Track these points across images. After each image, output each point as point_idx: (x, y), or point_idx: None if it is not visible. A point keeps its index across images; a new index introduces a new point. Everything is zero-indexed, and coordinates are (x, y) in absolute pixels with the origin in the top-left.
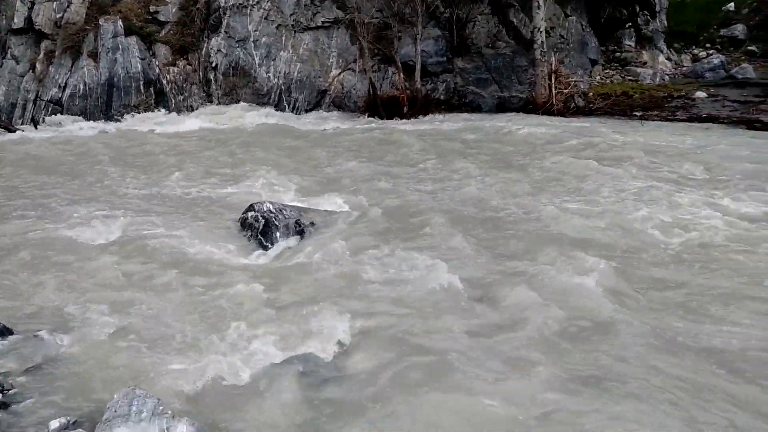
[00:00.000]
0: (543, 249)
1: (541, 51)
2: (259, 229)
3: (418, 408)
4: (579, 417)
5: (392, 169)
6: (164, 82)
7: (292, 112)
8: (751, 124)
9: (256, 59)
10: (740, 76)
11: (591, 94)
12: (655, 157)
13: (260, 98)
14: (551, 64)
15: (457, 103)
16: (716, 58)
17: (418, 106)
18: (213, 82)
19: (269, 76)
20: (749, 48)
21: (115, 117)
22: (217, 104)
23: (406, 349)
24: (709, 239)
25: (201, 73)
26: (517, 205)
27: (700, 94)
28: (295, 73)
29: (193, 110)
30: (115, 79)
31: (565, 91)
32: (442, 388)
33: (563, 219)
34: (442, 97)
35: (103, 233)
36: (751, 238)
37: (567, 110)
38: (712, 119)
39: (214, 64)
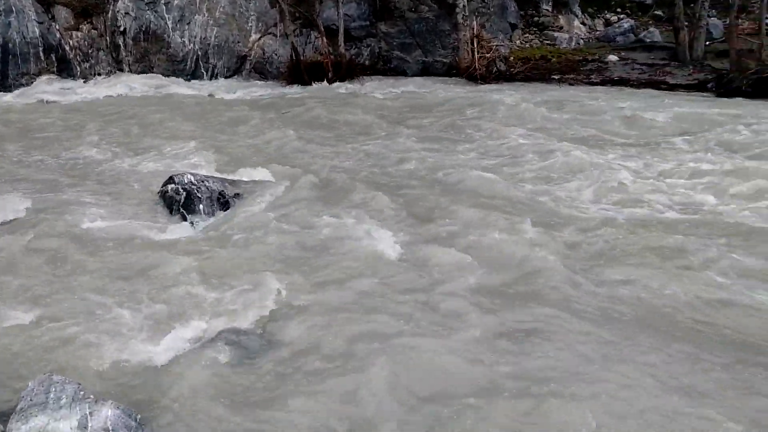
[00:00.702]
0: (472, 211)
1: (463, 15)
2: (181, 202)
3: (356, 374)
4: (517, 368)
5: (319, 137)
6: (67, 48)
7: (211, 79)
8: (658, 86)
9: (169, 23)
10: (648, 40)
11: (512, 58)
12: (576, 120)
13: (175, 65)
14: (473, 29)
15: (382, 68)
16: (626, 23)
17: (343, 72)
18: (122, 47)
19: (184, 42)
20: (656, 12)
21: (13, 87)
22: (128, 71)
23: (340, 316)
24: (633, 197)
25: (108, 38)
26: (445, 171)
27: (612, 57)
28: (212, 38)
29: (101, 78)
30: (10, 45)
31: (487, 55)
32: (380, 352)
33: (490, 183)
34: (366, 62)
35: (6, 211)
36: (667, 194)
37: (489, 75)
38: (623, 82)
39: (122, 28)
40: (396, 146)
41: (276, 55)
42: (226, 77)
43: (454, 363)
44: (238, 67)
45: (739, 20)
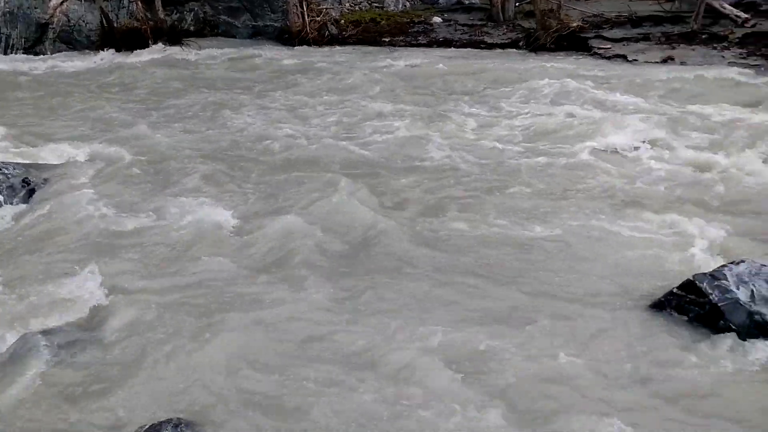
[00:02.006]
0: (307, 177)
1: None
2: None
3: (186, 358)
4: (355, 327)
5: (140, 110)
6: None
7: (6, 52)
8: (478, 45)
9: None
10: (467, 2)
11: (343, 21)
12: (404, 80)
13: None
14: None
15: (209, 33)
16: None
17: (165, 38)
18: None
19: None
20: None
21: None
22: None
23: (173, 298)
24: (458, 151)
25: None
26: (279, 138)
27: (437, 19)
28: (3, 3)
29: None
30: None
31: (318, 19)
32: (217, 329)
33: (327, 146)
34: (191, 27)
35: None
36: (487, 146)
37: (322, 38)
38: (447, 43)
39: None
40: (227, 116)
41: (84, 21)
42: (25, 49)
43: (295, 331)
44: (40, 36)
45: None
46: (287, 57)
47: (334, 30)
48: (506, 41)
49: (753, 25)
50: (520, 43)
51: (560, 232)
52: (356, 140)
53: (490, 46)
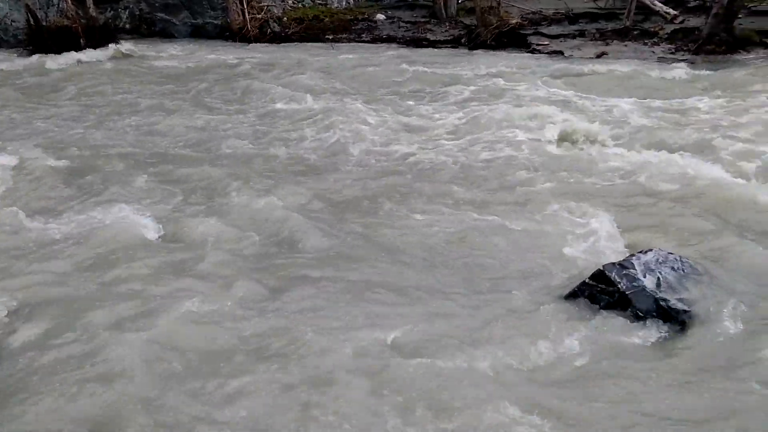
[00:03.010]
0: (228, 180)
1: None
2: None
3: (93, 369)
4: (279, 321)
5: (68, 113)
6: None
7: None
8: (420, 42)
9: None
10: None
11: (285, 19)
12: (342, 77)
13: None
14: None
15: (146, 31)
16: None
17: (98, 37)
18: None
19: None
20: None
21: None
22: None
23: (86, 306)
24: (382, 142)
25: None
26: (208, 139)
27: (380, 16)
28: None
29: None
30: None
31: (259, 16)
32: (137, 333)
33: (258, 147)
34: (127, 25)
35: None
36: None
37: (264, 36)
38: (391, 40)
39: None
40: (158, 119)
41: (10, 20)
42: None
43: (217, 329)
44: None
45: None
46: (226, 55)
47: (276, 27)
48: (449, 38)
49: (681, 22)
50: (463, 40)
51: (481, 225)
52: (289, 140)
53: (433, 43)
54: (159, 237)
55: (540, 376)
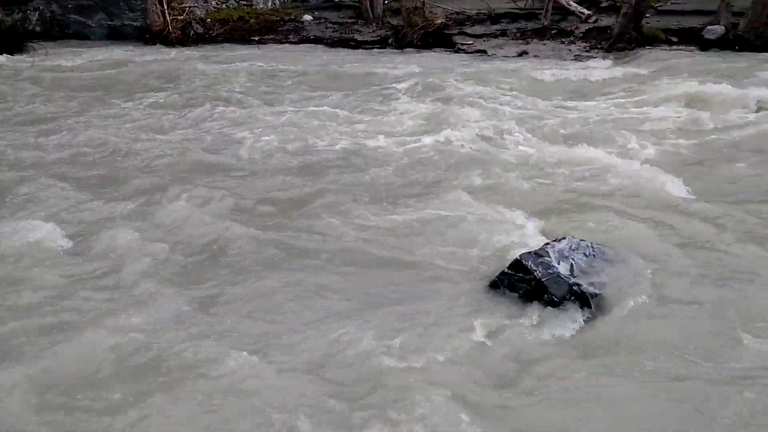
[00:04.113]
0: (154, 187)
1: None
2: None
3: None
4: (209, 329)
5: None
6: None
7: None
8: (348, 43)
9: None
10: (337, 0)
11: (209, 20)
12: (265, 79)
13: None
14: None
15: (59, 34)
16: None
17: (5, 41)
18: None
19: None
20: None
21: None
22: None
23: None
24: (305, 143)
25: None
26: (115, 147)
27: (307, 17)
28: None
29: None
30: None
31: (181, 17)
32: (27, 357)
33: (177, 153)
34: (37, 28)
35: None
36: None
37: (187, 38)
38: (318, 40)
39: None
40: (69, 126)
41: None
42: None
43: (145, 341)
44: None
45: None
46: (144, 58)
47: (199, 29)
48: (376, 38)
49: (595, 21)
50: (390, 41)
51: (405, 219)
52: (212, 145)
53: (360, 44)
54: (69, 249)
55: (464, 368)
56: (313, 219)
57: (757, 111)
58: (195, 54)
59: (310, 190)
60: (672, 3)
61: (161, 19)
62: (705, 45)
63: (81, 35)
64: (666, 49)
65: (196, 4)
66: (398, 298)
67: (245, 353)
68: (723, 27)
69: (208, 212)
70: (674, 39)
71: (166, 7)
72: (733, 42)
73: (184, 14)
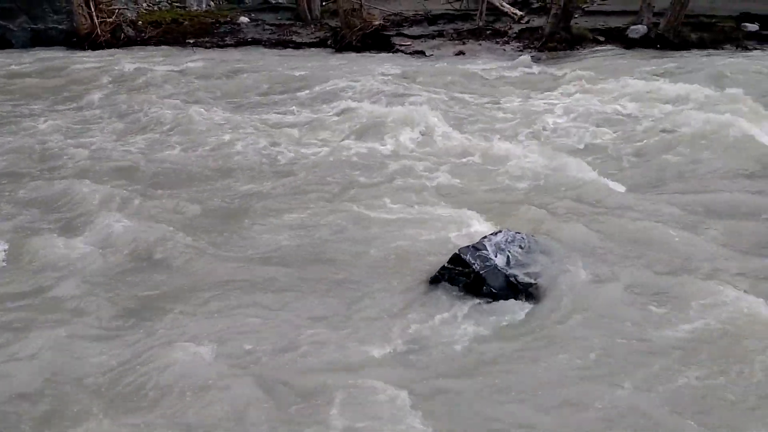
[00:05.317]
0: (88, 194)
1: None
2: None
3: None
4: (145, 334)
5: None
6: None
7: None
8: (287, 45)
9: None
10: (274, 1)
11: (141, 22)
12: (200, 83)
13: None
14: None
15: None
16: None
17: None
18: None
19: None
20: None
21: None
22: None
23: None
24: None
25: None
26: (45, 155)
27: (244, 19)
28: None
29: None
30: None
31: (110, 20)
32: None
33: (111, 158)
34: None
35: None
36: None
37: (117, 41)
38: (256, 43)
39: None
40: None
41: None
42: None
43: (79, 349)
44: None
45: None
46: (70, 63)
47: (130, 32)
48: (314, 40)
49: (527, 22)
50: (329, 42)
51: (346, 220)
52: (148, 151)
53: (299, 46)
54: (6, 258)
55: (404, 362)
56: (248, 222)
57: (674, 105)
58: (125, 57)
59: (246, 194)
60: (598, 4)
61: (89, 21)
62: (629, 44)
63: (2, 40)
64: (593, 48)
65: (125, 6)
66: (338, 296)
67: (180, 353)
68: (645, 27)
69: (148, 219)
70: (601, 38)
71: (93, 9)
72: (654, 41)
73: (113, 16)
